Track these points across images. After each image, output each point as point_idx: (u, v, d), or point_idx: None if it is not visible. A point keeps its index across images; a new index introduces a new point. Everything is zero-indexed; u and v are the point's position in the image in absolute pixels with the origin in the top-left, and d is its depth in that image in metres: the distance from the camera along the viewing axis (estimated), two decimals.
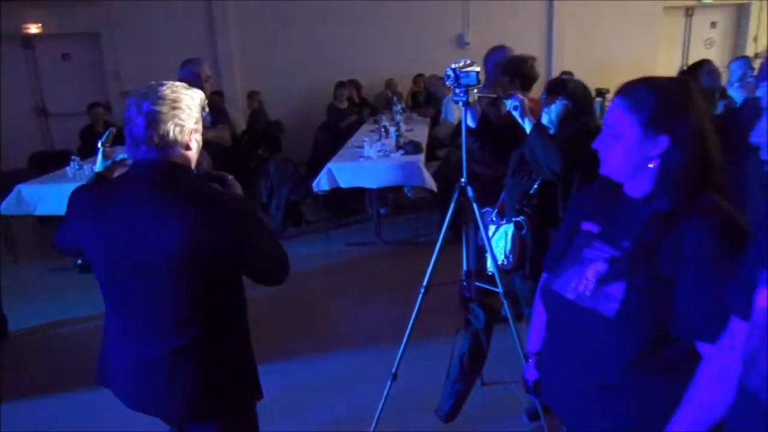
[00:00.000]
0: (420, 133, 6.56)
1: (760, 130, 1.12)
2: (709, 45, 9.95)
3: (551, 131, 2.39)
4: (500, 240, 2.53)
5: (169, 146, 1.54)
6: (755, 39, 9.48)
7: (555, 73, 8.95)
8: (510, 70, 3.32)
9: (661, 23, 9.49)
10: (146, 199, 1.53)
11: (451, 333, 2.80)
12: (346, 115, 7.72)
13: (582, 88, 2.48)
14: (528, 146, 2.35)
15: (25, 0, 8.15)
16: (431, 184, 5.19)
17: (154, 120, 1.51)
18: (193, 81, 3.21)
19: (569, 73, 8.07)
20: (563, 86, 2.44)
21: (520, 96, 2.39)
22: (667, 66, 9.64)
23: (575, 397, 1.43)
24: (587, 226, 1.43)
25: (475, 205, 2.46)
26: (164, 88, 1.55)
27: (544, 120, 2.41)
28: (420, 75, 8.87)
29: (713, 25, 9.91)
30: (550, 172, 2.29)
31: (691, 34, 9.89)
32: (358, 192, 5.92)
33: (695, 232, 1.23)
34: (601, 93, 7.17)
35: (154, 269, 1.52)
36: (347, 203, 6.18)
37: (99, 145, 2.25)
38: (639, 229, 1.30)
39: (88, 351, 2.08)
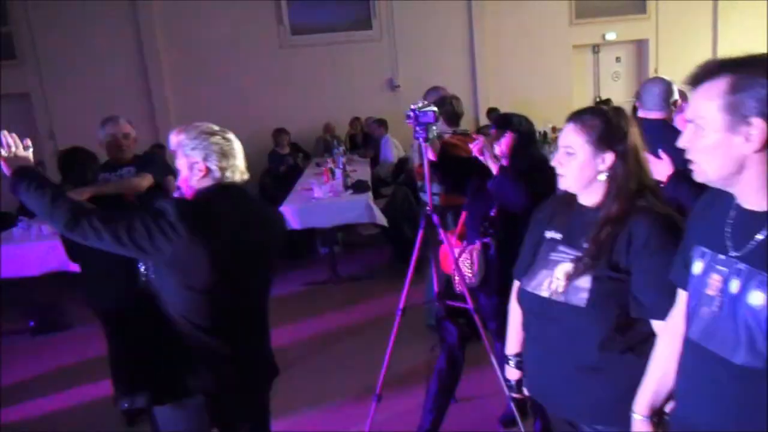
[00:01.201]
0: (363, 173, 6.83)
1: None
2: (616, 78, 10.86)
3: (503, 162, 2.68)
4: (465, 260, 2.78)
5: None
6: (656, 71, 10.43)
7: (481, 110, 9.54)
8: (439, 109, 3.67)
9: (572, 60, 10.31)
10: None
11: (425, 351, 3.01)
12: (287, 160, 7.93)
13: (526, 121, 2.78)
14: (496, 184, 2.58)
15: None
16: (382, 220, 5.45)
17: None
18: (110, 142, 3.37)
19: (495, 110, 8.66)
20: (510, 121, 2.74)
21: (482, 140, 2.66)
22: (582, 98, 10.44)
23: (558, 383, 1.65)
24: (550, 234, 1.68)
25: (440, 230, 2.73)
26: None
27: (497, 152, 2.69)
28: (356, 118, 9.21)
29: (618, 59, 10.84)
30: (517, 206, 2.52)
31: (600, 69, 10.77)
32: (308, 233, 6.10)
33: (642, 229, 1.50)
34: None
35: None
36: (299, 244, 6.32)
37: None
38: (596, 231, 1.55)
39: None
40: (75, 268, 4.79)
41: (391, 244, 6.05)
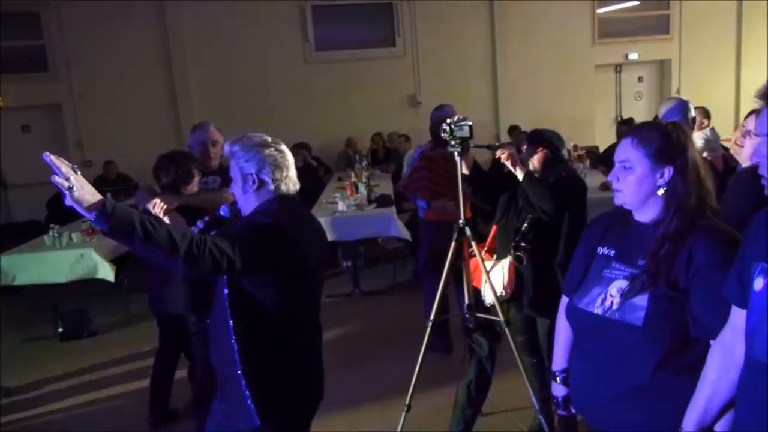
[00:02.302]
0: (386, 187, 6.88)
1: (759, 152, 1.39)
2: (638, 97, 10.85)
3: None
4: (497, 274, 2.81)
5: None
6: (678, 90, 10.42)
7: (503, 128, 9.57)
8: (432, 128, 3.85)
9: (595, 80, 10.33)
10: None
11: (456, 363, 3.02)
12: (303, 175, 7.95)
13: (557, 137, 2.85)
14: (521, 191, 2.68)
15: None
16: (406, 234, 5.48)
17: None
18: (199, 149, 3.35)
19: (516, 127, 8.69)
20: (542, 137, 2.81)
21: (511, 148, 2.72)
22: (604, 117, 10.46)
23: (609, 402, 1.59)
24: (603, 251, 1.65)
25: (473, 243, 2.75)
26: None
27: (529, 167, 2.75)
28: (378, 134, 9.29)
29: (640, 79, 10.84)
30: (542, 213, 2.64)
31: (622, 88, 10.77)
32: (330, 246, 6.13)
33: (703, 247, 1.47)
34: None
35: None
36: None
37: None
38: (654, 248, 1.52)
39: None
40: (103, 276, 4.91)
41: (414, 259, 6.07)
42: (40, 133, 8.83)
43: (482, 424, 3.11)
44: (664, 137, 1.55)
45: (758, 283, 1.23)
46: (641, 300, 1.51)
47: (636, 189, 1.56)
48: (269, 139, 1.95)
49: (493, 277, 2.78)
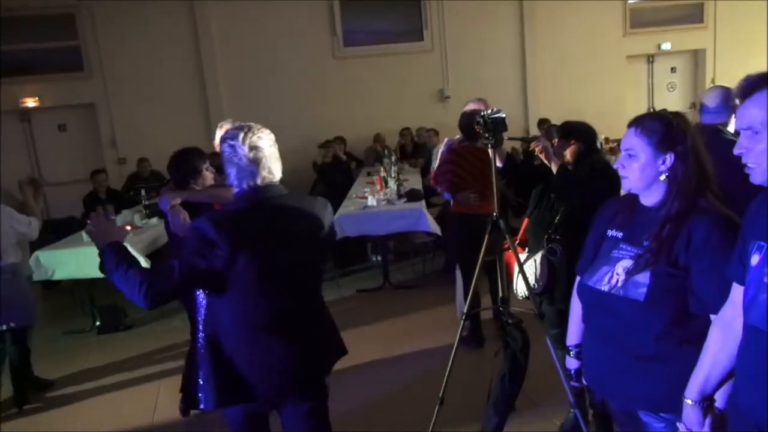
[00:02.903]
0: (415, 182, 6.87)
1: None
2: (671, 88, 10.63)
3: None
4: (530, 267, 2.79)
5: None
6: (713, 81, 10.17)
7: (532, 121, 9.47)
8: (462, 122, 3.98)
9: (626, 70, 10.15)
10: None
11: (489, 356, 3.01)
12: (332, 169, 7.94)
13: (588, 129, 2.81)
14: (555, 184, 2.66)
15: (22, 75, 8.41)
16: (436, 228, 5.46)
17: None
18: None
19: (546, 120, 8.58)
20: (574, 129, 2.78)
21: (545, 141, 2.70)
22: (636, 109, 10.22)
23: (617, 372, 1.72)
24: (612, 233, 1.77)
25: (507, 236, 2.74)
26: None
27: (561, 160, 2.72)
28: (406, 128, 9.27)
29: (673, 70, 10.62)
30: (573, 206, 2.61)
31: (654, 79, 10.57)
32: (360, 240, 6.18)
33: (702, 228, 1.57)
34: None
35: None
36: (351, 252, 6.39)
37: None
38: (656, 229, 1.64)
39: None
40: None
41: (443, 253, 6.06)
42: (76, 132, 9.04)
43: (516, 418, 3.08)
44: (666, 126, 1.65)
45: (754, 259, 1.33)
46: (643, 277, 1.62)
47: (640, 175, 1.67)
48: (232, 131, 1.98)
49: (526, 270, 2.76)
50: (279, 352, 2.00)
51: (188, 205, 3.01)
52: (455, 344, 2.84)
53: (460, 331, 2.85)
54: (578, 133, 2.78)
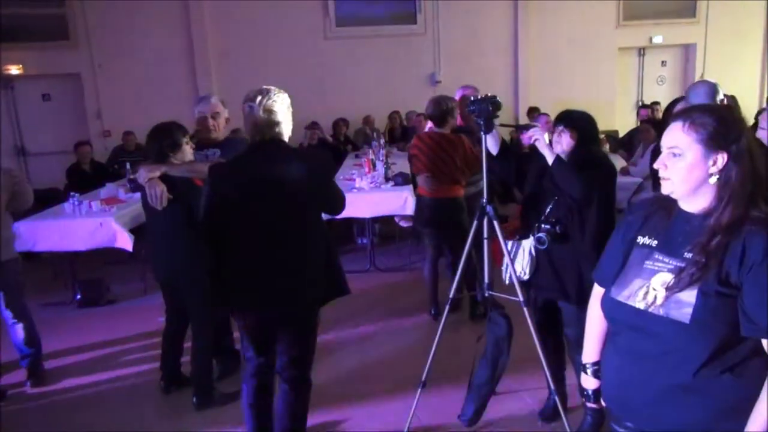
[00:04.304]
0: (403, 166, 6.83)
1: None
2: (660, 82, 10.68)
3: (563, 158, 2.66)
4: (519, 255, 2.80)
5: None
6: (702, 75, 10.23)
7: (522, 110, 9.47)
8: (427, 109, 4.28)
9: (617, 62, 10.18)
10: None
11: (471, 341, 3.02)
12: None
13: (587, 118, 2.75)
14: (550, 175, 2.63)
15: (6, 42, 8.22)
16: None
17: None
18: (199, 121, 3.41)
19: (536, 109, 8.60)
20: (571, 118, 2.71)
21: (539, 129, 2.67)
22: (625, 101, 10.32)
23: (647, 398, 1.51)
24: (644, 240, 1.56)
25: (495, 223, 2.74)
26: None
27: (556, 149, 2.68)
28: (396, 112, 9.24)
29: (663, 63, 10.66)
30: (570, 198, 2.60)
31: (644, 72, 10.61)
32: (346, 223, 6.16)
33: (758, 241, 1.37)
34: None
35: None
36: (337, 234, 6.37)
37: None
38: (704, 241, 1.42)
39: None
40: (122, 245, 4.97)
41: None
42: (60, 102, 8.88)
43: (496, 403, 3.12)
44: (719, 121, 1.44)
45: None
46: (689, 296, 1.42)
47: (686, 176, 1.46)
48: (253, 93, 2.40)
49: (516, 257, 2.77)
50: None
51: (167, 180, 3.05)
52: (439, 328, 2.85)
53: (445, 316, 2.87)
54: (575, 122, 2.70)
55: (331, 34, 9.28)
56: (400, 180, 5.77)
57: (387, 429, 3.07)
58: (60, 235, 5.02)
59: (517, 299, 2.72)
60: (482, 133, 2.69)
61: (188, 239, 3.07)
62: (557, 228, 2.62)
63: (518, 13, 9.62)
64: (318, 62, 9.19)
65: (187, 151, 3.21)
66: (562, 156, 2.65)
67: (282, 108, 2.42)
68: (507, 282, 2.85)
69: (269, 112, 2.38)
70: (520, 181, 2.91)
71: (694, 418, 1.46)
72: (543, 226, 2.65)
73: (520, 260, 2.79)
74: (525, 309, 2.72)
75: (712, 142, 1.43)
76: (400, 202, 5.50)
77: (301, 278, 2.46)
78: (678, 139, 1.47)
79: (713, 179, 1.44)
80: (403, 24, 9.47)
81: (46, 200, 6.20)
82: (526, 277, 2.80)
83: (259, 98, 2.37)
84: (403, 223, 5.92)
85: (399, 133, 9.15)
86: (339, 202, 2.58)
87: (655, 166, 1.53)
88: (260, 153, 2.42)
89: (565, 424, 2.76)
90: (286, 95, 2.46)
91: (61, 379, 3.93)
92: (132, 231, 5.00)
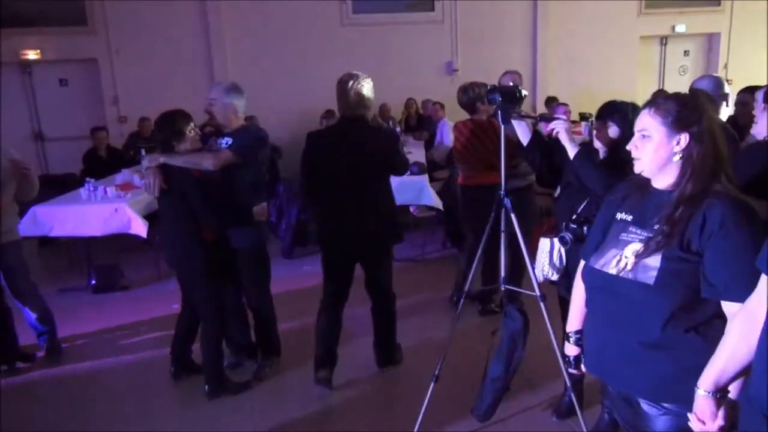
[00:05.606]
0: (418, 155, 6.78)
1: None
2: (683, 72, 10.47)
3: (601, 154, 2.52)
4: (543, 251, 2.72)
5: None
6: (725, 66, 10.02)
7: (540, 99, 9.33)
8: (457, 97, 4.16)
9: (638, 51, 9.99)
10: None
11: (486, 335, 2.97)
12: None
13: (633, 109, 2.44)
14: (573, 169, 2.51)
15: (24, 27, 8.24)
16: (438, 203, 5.40)
17: None
18: (209, 110, 3.39)
19: (554, 99, 8.46)
20: (617, 109, 2.48)
21: (562, 121, 2.54)
22: (646, 91, 10.10)
23: (620, 358, 1.68)
24: (621, 215, 1.72)
25: (513, 215, 2.68)
26: None
27: (597, 144, 2.53)
28: (412, 100, 9.14)
29: (686, 53, 10.45)
30: (593, 194, 2.44)
31: (666, 62, 10.41)
32: None
33: (717, 212, 1.52)
34: (584, 117, 7.41)
35: None
36: None
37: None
38: (669, 212, 1.58)
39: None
40: (136, 231, 4.98)
41: (443, 228, 6.02)
42: (77, 88, 8.90)
43: (511, 399, 3.08)
44: (681, 105, 1.61)
45: None
46: (654, 261, 1.57)
47: (653, 156, 1.62)
48: (346, 76, 3.08)
49: (543, 254, 2.70)
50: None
51: (166, 169, 3.11)
52: (453, 323, 2.80)
53: (459, 309, 2.82)
54: (622, 113, 2.45)
55: (347, 21, 9.18)
56: (416, 169, 5.70)
57: (399, 422, 3.04)
58: (76, 221, 5.04)
59: (534, 294, 2.66)
60: (502, 122, 2.62)
61: (184, 228, 3.16)
62: (584, 228, 2.39)
63: (537, 1, 9.45)
64: (334, 48, 9.10)
65: (192, 139, 3.22)
66: (601, 152, 2.53)
67: (368, 92, 3.08)
68: (541, 279, 2.75)
69: (358, 94, 3.03)
70: (553, 174, 2.80)
71: (665, 372, 1.60)
72: (570, 225, 2.51)
73: (546, 258, 2.70)
74: (542, 304, 2.66)
75: (675, 125, 1.60)
76: (416, 192, 5.45)
77: (374, 223, 3.15)
78: (646, 122, 1.64)
79: (677, 157, 1.61)
80: (420, 11, 9.35)
81: (64, 185, 6.25)
82: (554, 277, 2.72)
83: (351, 82, 3.02)
84: (417, 213, 5.86)
85: (415, 122, 9.07)
86: (404, 166, 3.26)
87: (628, 147, 1.69)
88: (348, 126, 3.09)
89: (581, 422, 2.70)
90: (370, 81, 3.12)
91: (75, 362, 3.95)
92: (146, 217, 5.01)
